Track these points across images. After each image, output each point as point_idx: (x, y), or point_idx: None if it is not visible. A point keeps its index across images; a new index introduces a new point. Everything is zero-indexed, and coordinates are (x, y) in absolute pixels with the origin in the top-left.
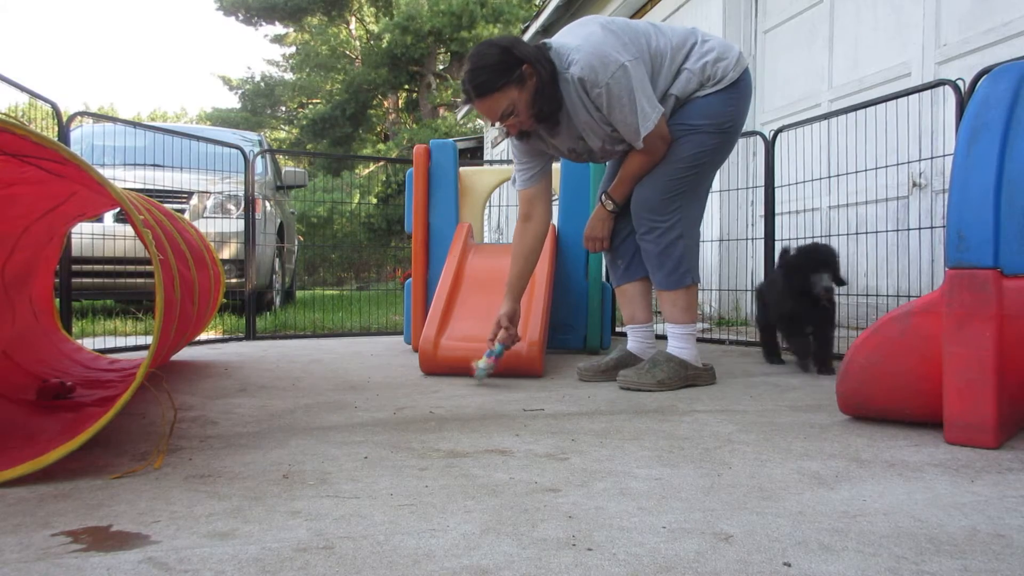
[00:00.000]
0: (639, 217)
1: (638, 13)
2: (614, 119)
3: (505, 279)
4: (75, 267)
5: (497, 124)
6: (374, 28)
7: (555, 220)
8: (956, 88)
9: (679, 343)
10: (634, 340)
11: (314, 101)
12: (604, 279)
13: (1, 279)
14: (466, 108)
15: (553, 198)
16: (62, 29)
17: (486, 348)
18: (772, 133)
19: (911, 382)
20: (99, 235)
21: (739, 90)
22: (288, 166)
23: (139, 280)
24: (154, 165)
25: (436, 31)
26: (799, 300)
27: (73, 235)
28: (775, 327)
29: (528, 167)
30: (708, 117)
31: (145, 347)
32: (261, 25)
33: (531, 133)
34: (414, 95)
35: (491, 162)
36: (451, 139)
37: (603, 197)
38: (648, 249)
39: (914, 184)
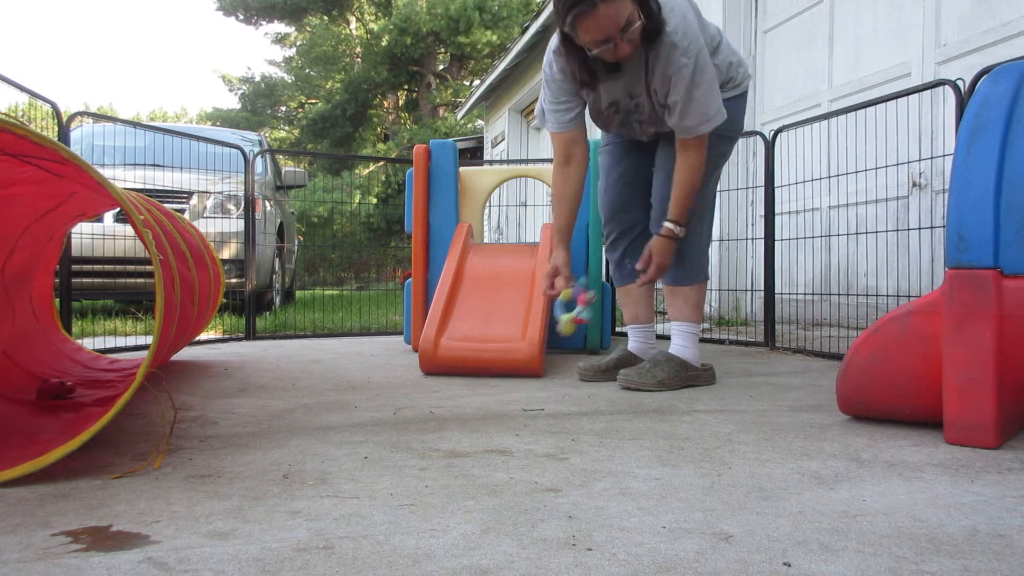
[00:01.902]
0: (664, 213)
1: None
2: (690, 98)
3: (505, 278)
4: (75, 267)
5: (594, 51)
6: (374, 27)
7: None
8: (956, 88)
9: (682, 342)
10: (635, 340)
11: (311, 101)
12: (604, 279)
13: (1, 279)
14: (467, 107)
15: None
16: (62, 29)
17: (486, 349)
18: (772, 133)
19: (911, 382)
20: (99, 235)
21: (745, 99)
22: (288, 166)
23: (139, 280)
24: (154, 165)
25: (434, 32)
26: None
27: (73, 235)
28: None
29: (566, 107)
30: (726, 122)
31: (145, 347)
32: (261, 24)
33: (597, 78)
34: (414, 95)
35: (491, 162)
36: (451, 139)
37: (667, 225)
38: None
39: (914, 184)
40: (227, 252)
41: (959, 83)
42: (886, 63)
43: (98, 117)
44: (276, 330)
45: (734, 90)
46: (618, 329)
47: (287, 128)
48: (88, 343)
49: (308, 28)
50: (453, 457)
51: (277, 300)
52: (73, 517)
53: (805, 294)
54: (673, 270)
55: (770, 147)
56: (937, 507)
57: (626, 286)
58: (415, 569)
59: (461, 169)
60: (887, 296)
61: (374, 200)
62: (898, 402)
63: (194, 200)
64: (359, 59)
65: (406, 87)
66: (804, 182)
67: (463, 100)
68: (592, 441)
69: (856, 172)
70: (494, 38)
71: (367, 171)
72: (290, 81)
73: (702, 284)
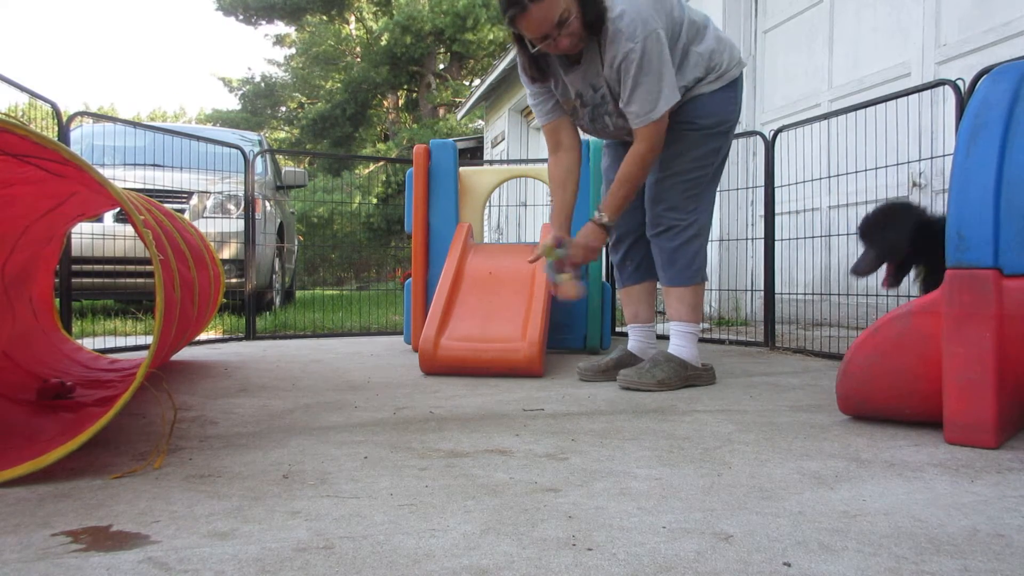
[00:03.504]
0: (658, 215)
1: None
2: (637, 84)
3: (505, 278)
4: (75, 267)
5: (537, 46)
6: (374, 27)
7: None
8: (956, 88)
9: (680, 342)
10: (635, 339)
11: (311, 101)
12: (604, 279)
13: (1, 279)
14: (467, 107)
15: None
16: (62, 29)
17: (486, 349)
18: (772, 133)
19: (911, 382)
20: (99, 235)
21: (737, 89)
22: (288, 166)
23: (139, 280)
24: (154, 165)
25: (437, 31)
26: None
27: (73, 235)
28: None
29: (543, 99)
30: (714, 116)
31: (145, 347)
32: (260, 24)
33: (547, 72)
34: (414, 95)
35: (491, 162)
36: (451, 139)
37: (596, 216)
38: (663, 247)
39: (914, 184)
40: (227, 252)
41: (959, 83)
42: (886, 63)
43: (98, 117)
44: (276, 330)
45: (718, 81)
46: (618, 329)
47: (287, 128)
48: (88, 343)
49: (307, 28)
50: (453, 457)
51: (277, 300)
52: (73, 517)
53: (805, 294)
54: (667, 271)
55: (770, 147)
56: (937, 507)
57: (628, 288)
58: (415, 569)
59: (461, 169)
60: (887, 296)
61: (374, 200)
62: (898, 402)
63: (194, 200)
64: (359, 59)
65: (406, 87)
66: (804, 182)
67: (463, 100)
68: (592, 441)
69: (856, 172)
70: (501, 35)
71: (367, 171)
72: (290, 81)
73: (698, 285)
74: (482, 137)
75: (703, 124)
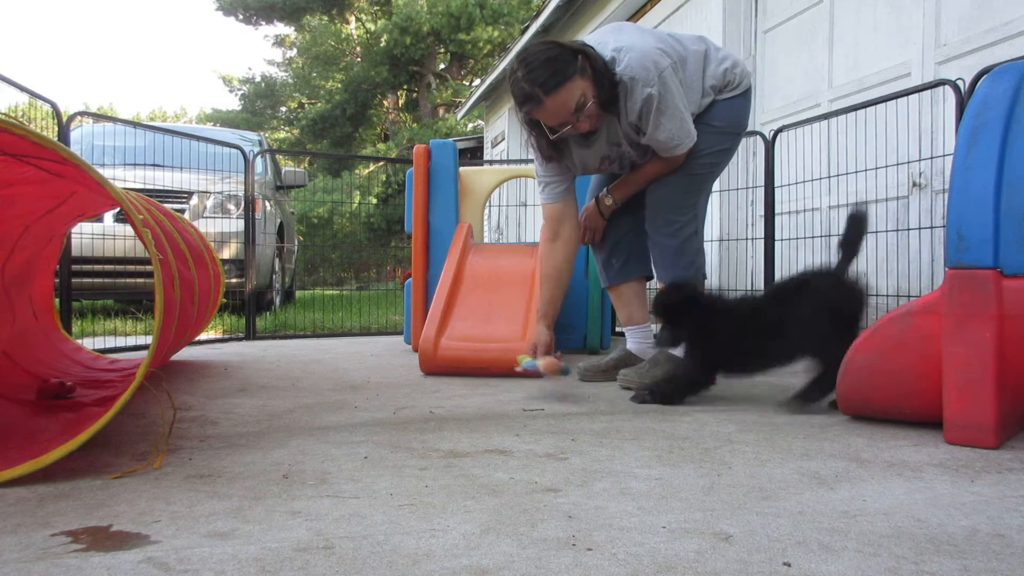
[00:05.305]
0: (659, 214)
1: (638, 13)
2: (659, 124)
3: (505, 278)
4: (75, 267)
5: (557, 132)
6: (372, 27)
7: None
8: (956, 88)
9: None
10: (633, 340)
11: (311, 101)
12: None
13: (1, 279)
14: (467, 107)
15: None
16: (62, 29)
17: (487, 349)
18: (772, 133)
19: (911, 382)
20: (99, 235)
21: (748, 98)
22: (288, 166)
23: (139, 280)
24: (154, 165)
25: (435, 31)
26: None
27: (73, 235)
28: None
29: (557, 180)
30: (725, 120)
31: (145, 347)
32: (260, 24)
33: (564, 150)
34: (414, 95)
35: (491, 162)
36: (451, 139)
37: (603, 193)
38: (666, 245)
39: (914, 184)
40: (227, 252)
41: (959, 83)
42: (886, 63)
43: (98, 117)
44: (276, 330)
45: (733, 90)
46: (618, 329)
47: (287, 128)
48: (88, 343)
49: (307, 29)
50: (453, 457)
51: (277, 300)
52: (73, 517)
53: None
54: (669, 270)
55: (770, 147)
56: (937, 507)
57: (616, 287)
58: (415, 569)
59: (461, 169)
60: (887, 296)
61: (374, 200)
62: (898, 402)
63: (194, 200)
64: (359, 59)
65: (406, 87)
66: (804, 182)
67: (463, 100)
68: (592, 441)
69: (856, 172)
70: (495, 35)
71: (367, 171)
72: (290, 81)
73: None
74: (482, 137)
75: (717, 125)
